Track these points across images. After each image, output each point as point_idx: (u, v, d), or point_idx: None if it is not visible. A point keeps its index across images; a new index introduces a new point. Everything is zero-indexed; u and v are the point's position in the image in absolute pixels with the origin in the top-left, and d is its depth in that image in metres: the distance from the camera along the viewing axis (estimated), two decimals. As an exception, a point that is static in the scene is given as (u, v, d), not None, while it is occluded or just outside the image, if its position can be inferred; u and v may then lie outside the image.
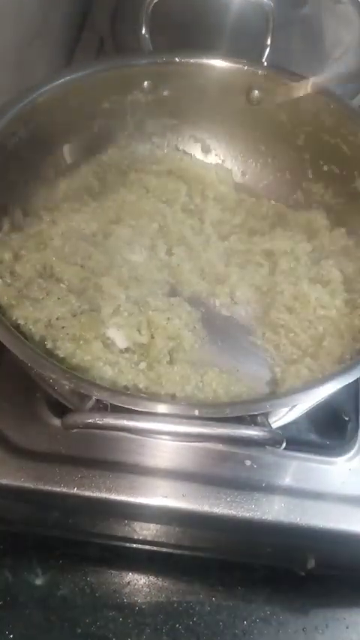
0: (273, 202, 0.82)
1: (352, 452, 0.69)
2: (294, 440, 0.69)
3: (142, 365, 0.64)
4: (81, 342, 0.63)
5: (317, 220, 0.79)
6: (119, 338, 0.66)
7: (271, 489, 0.66)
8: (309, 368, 0.66)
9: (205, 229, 0.79)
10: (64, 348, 0.62)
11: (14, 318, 0.63)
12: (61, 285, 0.69)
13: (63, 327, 0.63)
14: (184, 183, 0.82)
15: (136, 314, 0.67)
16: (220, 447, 0.68)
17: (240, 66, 0.77)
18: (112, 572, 0.71)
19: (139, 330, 0.66)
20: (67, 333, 0.63)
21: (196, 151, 0.86)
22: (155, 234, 0.76)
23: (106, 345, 0.64)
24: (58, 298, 0.66)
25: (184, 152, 0.86)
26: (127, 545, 0.73)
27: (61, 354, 0.61)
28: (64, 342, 0.62)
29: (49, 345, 0.62)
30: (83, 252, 0.72)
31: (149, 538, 0.73)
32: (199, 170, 0.84)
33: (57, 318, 0.64)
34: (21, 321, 0.63)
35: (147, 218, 0.77)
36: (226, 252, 0.77)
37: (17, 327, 0.63)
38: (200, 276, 0.75)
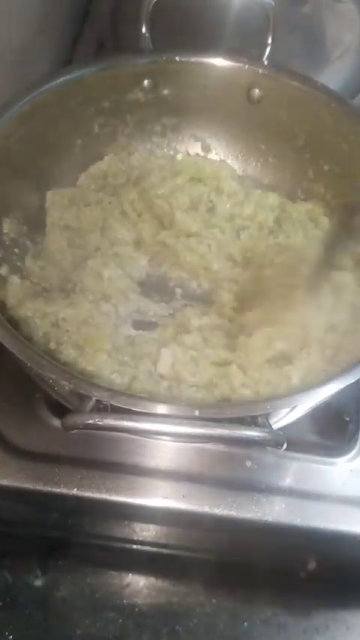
0: (277, 194, 0.82)
1: (353, 452, 0.69)
2: (295, 441, 0.68)
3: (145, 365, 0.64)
4: (84, 351, 0.63)
5: (315, 210, 0.79)
6: (167, 361, 0.65)
7: (271, 490, 0.65)
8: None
9: (219, 223, 0.79)
10: (67, 353, 0.61)
11: (23, 310, 0.63)
12: (89, 296, 0.69)
13: (67, 331, 0.63)
14: (205, 185, 0.82)
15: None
16: (220, 447, 0.68)
17: (240, 65, 0.77)
18: (112, 573, 0.70)
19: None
20: (70, 338, 0.63)
21: (197, 150, 0.86)
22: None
23: (111, 356, 0.64)
24: (71, 302, 0.66)
25: (197, 154, 0.86)
26: (127, 546, 0.73)
27: (63, 358, 0.61)
28: (67, 348, 0.62)
29: (52, 345, 0.62)
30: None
31: (149, 539, 0.73)
32: (211, 167, 0.84)
33: (62, 319, 0.64)
34: (29, 313, 0.63)
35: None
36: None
37: (24, 319, 0.63)
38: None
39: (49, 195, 0.78)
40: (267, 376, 0.63)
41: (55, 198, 0.77)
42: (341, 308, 0.69)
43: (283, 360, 0.65)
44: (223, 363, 0.65)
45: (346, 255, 0.73)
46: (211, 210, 0.80)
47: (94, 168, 0.82)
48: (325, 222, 0.77)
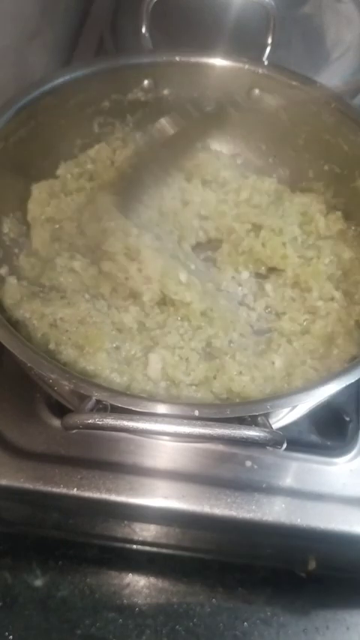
0: (275, 178, 0.82)
1: (353, 453, 0.69)
2: (295, 441, 0.68)
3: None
4: (84, 350, 0.63)
5: (313, 205, 0.78)
6: (156, 368, 0.64)
7: (271, 490, 0.65)
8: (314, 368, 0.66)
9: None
10: (66, 354, 0.61)
11: (21, 312, 0.63)
12: (85, 294, 0.69)
13: (66, 331, 0.63)
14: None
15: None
16: (220, 447, 0.68)
17: (240, 65, 0.77)
18: (112, 573, 0.70)
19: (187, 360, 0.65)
20: (70, 338, 0.63)
21: (196, 150, 0.86)
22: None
23: (110, 355, 0.63)
24: (68, 302, 0.66)
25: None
26: (127, 546, 0.73)
27: (63, 358, 0.61)
28: (66, 348, 0.62)
29: (52, 346, 0.62)
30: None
31: (149, 539, 0.73)
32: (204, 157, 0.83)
33: (61, 319, 0.64)
34: (27, 314, 0.63)
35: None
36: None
37: (22, 321, 0.63)
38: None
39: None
40: (253, 361, 0.64)
41: (34, 193, 0.76)
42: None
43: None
44: (211, 357, 0.65)
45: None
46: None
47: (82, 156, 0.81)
48: (319, 220, 0.77)
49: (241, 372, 0.63)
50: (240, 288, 0.76)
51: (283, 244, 0.73)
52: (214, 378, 0.63)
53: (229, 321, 0.69)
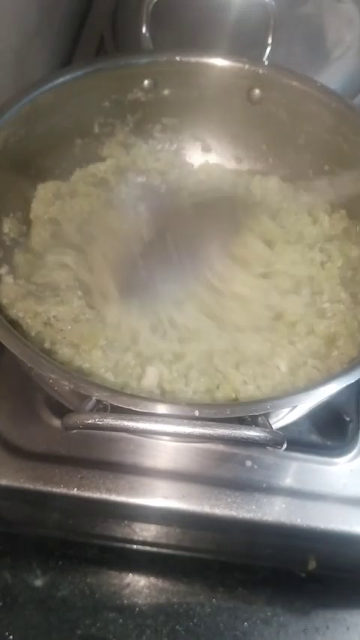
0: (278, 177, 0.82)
1: (354, 453, 0.69)
2: (295, 441, 0.69)
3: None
4: (80, 348, 0.62)
5: (317, 205, 0.78)
6: (152, 382, 0.61)
7: (271, 490, 0.65)
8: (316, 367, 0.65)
9: None
10: (62, 352, 0.61)
11: (14, 310, 0.63)
12: (78, 291, 0.68)
13: (61, 330, 0.63)
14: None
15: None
16: (220, 447, 0.68)
17: (241, 65, 0.77)
18: (112, 573, 0.70)
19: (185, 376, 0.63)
20: (65, 337, 0.63)
21: (197, 150, 0.86)
22: None
23: (106, 353, 0.63)
24: (62, 300, 0.66)
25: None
26: (127, 546, 0.73)
27: (59, 357, 0.61)
28: (62, 347, 0.62)
29: (47, 345, 0.62)
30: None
31: (149, 539, 0.73)
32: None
33: (54, 317, 0.64)
34: (20, 314, 0.63)
35: None
36: None
37: (16, 320, 0.63)
38: None
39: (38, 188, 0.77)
40: (257, 370, 0.63)
41: (39, 193, 0.76)
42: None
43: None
44: (214, 373, 0.63)
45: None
46: None
47: (92, 168, 0.82)
48: (324, 219, 0.76)
49: (245, 382, 0.61)
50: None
51: (295, 252, 0.73)
52: (217, 388, 0.62)
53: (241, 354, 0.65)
